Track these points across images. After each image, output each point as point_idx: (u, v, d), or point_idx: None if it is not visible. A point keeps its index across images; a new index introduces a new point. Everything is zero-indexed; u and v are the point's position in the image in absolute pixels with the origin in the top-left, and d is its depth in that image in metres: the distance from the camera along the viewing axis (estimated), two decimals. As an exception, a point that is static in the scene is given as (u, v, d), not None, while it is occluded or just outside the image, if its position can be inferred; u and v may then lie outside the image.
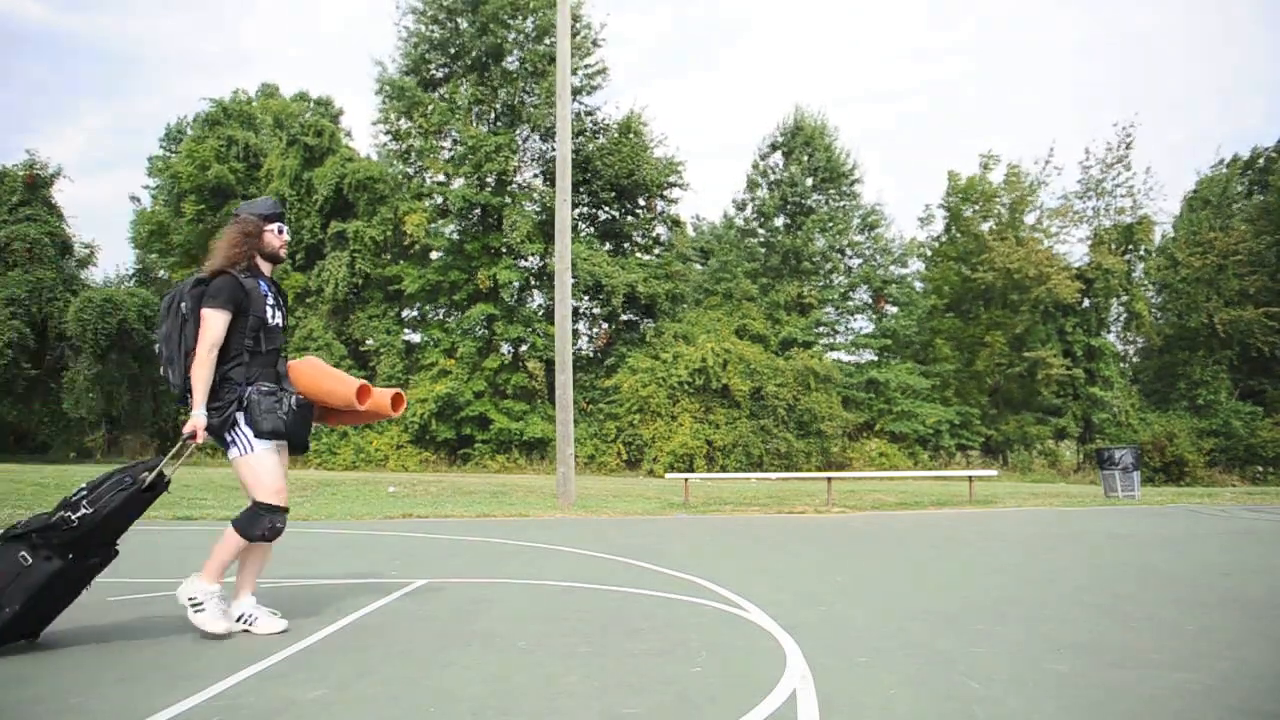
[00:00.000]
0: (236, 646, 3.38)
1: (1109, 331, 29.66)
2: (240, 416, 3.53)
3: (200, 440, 3.49)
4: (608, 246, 26.13)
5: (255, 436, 3.53)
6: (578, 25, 24.51)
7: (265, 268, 3.80)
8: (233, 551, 3.60)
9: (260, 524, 3.56)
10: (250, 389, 3.56)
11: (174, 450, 3.55)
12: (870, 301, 28.22)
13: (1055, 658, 3.23)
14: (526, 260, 25.49)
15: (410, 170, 26.51)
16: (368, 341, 25.83)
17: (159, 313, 3.72)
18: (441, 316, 26.10)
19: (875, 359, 27.83)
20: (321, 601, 4.35)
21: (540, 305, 26.09)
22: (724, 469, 22.01)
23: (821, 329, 27.79)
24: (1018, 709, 2.61)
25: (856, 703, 2.67)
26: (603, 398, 24.25)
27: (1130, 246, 28.79)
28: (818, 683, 2.87)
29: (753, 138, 66.57)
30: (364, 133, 58.15)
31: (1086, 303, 28.03)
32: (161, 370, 3.65)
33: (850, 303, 28.29)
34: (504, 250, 24.78)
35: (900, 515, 10.68)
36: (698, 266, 29.35)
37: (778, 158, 28.55)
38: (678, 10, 75.32)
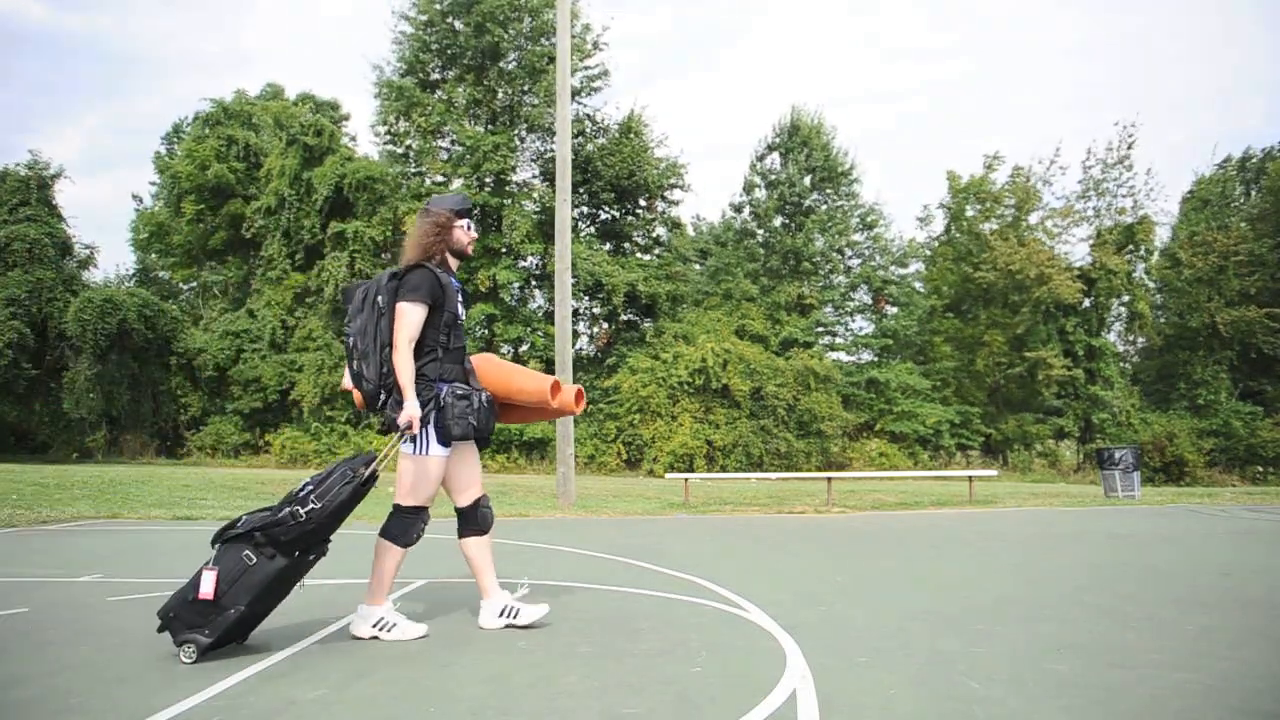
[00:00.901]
0: (236, 647, 3.37)
1: (1109, 331, 29.64)
2: (433, 416, 3.47)
3: (416, 430, 3.37)
4: (608, 246, 26.12)
5: (438, 440, 3.48)
6: (577, 26, 24.51)
7: (452, 264, 3.73)
8: (394, 565, 3.55)
9: (414, 529, 3.54)
10: (445, 389, 3.49)
11: (391, 443, 3.53)
12: (870, 302, 28.21)
13: (1055, 658, 3.23)
14: (526, 260, 25.49)
15: (409, 170, 26.50)
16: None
17: (349, 307, 3.55)
18: (441, 316, 26.07)
19: (875, 359, 27.83)
20: (321, 601, 4.35)
21: (540, 305, 26.08)
22: (724, 469, 21.99)
23: (821, 329, 27.77)
24: (1018, 709, 2.61)
25: (856, 703, 2.67)
26: (603, 398, 24.23)
27: (1131, 246, 28.77)
28: (818, 683, 2.87)
29: (753, 138, 66.47)
30: (365, 134, 58.09)
31: (1087, 302, 28.01)
32: (354, 365, 3.48)
33: (850, 303, 28.26)
34: (504, 250, 24.77)
35: (900, 515, 10.67)
36: (697, 267, 29.34)
37: (775, 158, 28.53)
38: (678, 10, 75.25)
